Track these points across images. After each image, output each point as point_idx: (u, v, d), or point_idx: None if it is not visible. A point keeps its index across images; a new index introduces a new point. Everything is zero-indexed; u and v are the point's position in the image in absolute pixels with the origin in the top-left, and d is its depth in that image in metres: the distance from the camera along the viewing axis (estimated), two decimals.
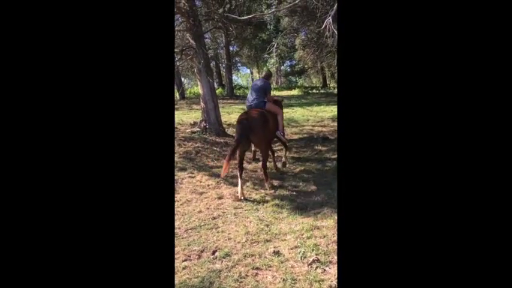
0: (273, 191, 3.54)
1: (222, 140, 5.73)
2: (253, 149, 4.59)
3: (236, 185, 3.71)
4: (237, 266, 2.11)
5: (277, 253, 2.23)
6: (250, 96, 4.06)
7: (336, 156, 4.77)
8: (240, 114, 3.80)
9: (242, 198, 3.30)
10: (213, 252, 2.30)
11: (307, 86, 20.96)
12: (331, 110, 9.29)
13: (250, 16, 5.03)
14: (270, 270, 2.06)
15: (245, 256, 2.22)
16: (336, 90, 16.27)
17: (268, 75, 4.39)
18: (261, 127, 3.50)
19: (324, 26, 2.70)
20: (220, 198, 3.38)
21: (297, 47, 15.03)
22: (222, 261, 2.18)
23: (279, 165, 4.35)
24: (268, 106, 3.99)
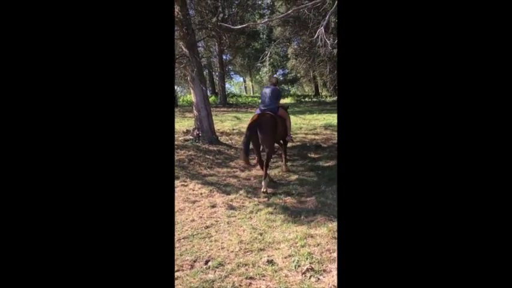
0: (266, 199, 3.53)
1: (215, 148, 5.71)
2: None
3: (229, 193, 3.70)
4: (230, 275, 2.08)
5: (271, 262, 2.21)
6: (264, 102, 4.37)
7: (328, 164, 4.79)
8: (252, 116, 4.26)
9: (269, 179, 3.95)
10: (206, 262, 2.26)
11: (299, 94, 21.17)
12: (324, 118, 9.37)
13: (244, 26, 5.10)
14: (263, 279, 2.04)
15: (238, 265, 2.19)
16: (327, 99, 16.46)
17: (276, 82, 4.71)
18: (271, 128, 3.94)
19: (316, 35, 2.75)
20: (213, 206, 3.35)
21: (289, 56, 15.22)
22: (215, 271, 2.14)
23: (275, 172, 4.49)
24: (280, 112, 4.37)
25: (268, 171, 4.15)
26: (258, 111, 4.42)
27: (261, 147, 4.08)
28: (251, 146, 4.03)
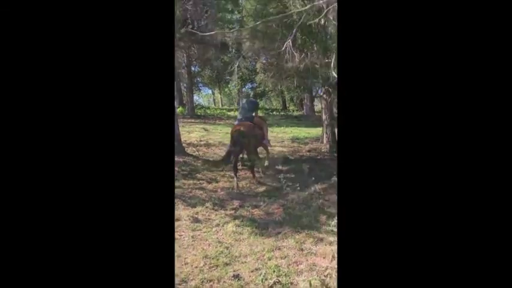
0: (233, 211, 3.46)
1: (181, 159, 5.53)
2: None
3: (195, 206, 3.57)
4: None
5: (237, 277, 2.13)
6: (241, 112, 4.93)
7: (296, 176, 4.85)
8: (233, 126, 4.83)
9: (237, 190, 4.16)
10: None
11: (267, 108, 21.49)
12: (291, 131, 9.57)
13: (212, 33, 5.17)
14: None
15: (203, 282, 2.08)
16: (294, 113, 16.90)
17: (255, 96, 5.39)
18: (250, 135, 4.45)
19: (284, 47, 2.82)
20: (177, 220, 3.19)
21: (258, 70, 15.48)
22: None
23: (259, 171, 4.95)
24: (255, 120, 4.86)
25: (237, 183, 4.29)
26: (236, 121, 4.97)
27: (239, 156, 4.67)
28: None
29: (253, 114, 4.93)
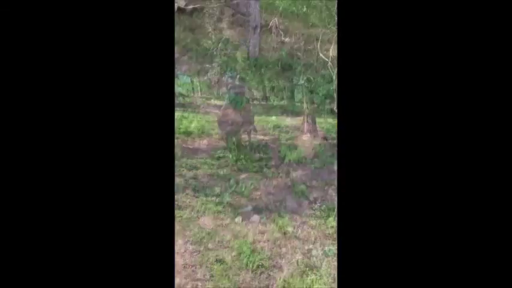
0: (214, 197, 3.41)
1: None
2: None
3: (175, 193, 3.50)
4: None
5: (219, 261, 2.11)
6: (228, 97, 5.12)
7: (277, 162, 4.86)
8: (219, 111, 4.97)
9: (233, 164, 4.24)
10: None
11: (248, 97, 21.43)
12: (272, 120, 9.58)
13: (195, 6, 5.03)
14: (212, 280, 1.92)
15: (184, 267, 2.04)
16: (275, 103, 17.04)
17: (240, 80, 5.74)
18: (236, 119, 4.58)
19: (270, 25, 2.76)
20: None
21: (238, 58, 15.28)
22: None
23: None
24: (244, 106, 5.07)
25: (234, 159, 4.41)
26: (222, 107, 5.07)
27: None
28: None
29: (239, 101, 5.07)
